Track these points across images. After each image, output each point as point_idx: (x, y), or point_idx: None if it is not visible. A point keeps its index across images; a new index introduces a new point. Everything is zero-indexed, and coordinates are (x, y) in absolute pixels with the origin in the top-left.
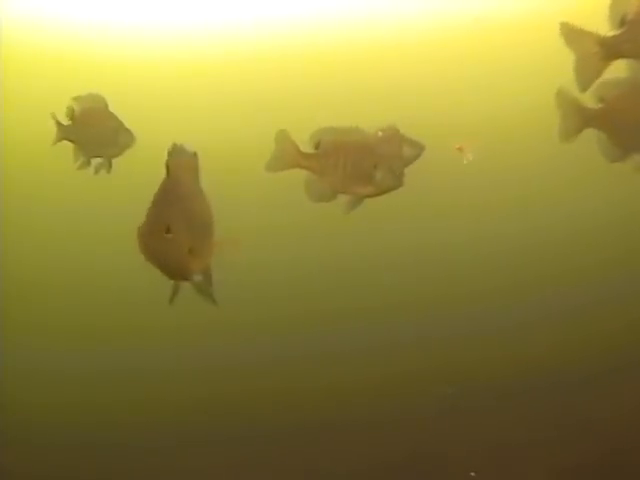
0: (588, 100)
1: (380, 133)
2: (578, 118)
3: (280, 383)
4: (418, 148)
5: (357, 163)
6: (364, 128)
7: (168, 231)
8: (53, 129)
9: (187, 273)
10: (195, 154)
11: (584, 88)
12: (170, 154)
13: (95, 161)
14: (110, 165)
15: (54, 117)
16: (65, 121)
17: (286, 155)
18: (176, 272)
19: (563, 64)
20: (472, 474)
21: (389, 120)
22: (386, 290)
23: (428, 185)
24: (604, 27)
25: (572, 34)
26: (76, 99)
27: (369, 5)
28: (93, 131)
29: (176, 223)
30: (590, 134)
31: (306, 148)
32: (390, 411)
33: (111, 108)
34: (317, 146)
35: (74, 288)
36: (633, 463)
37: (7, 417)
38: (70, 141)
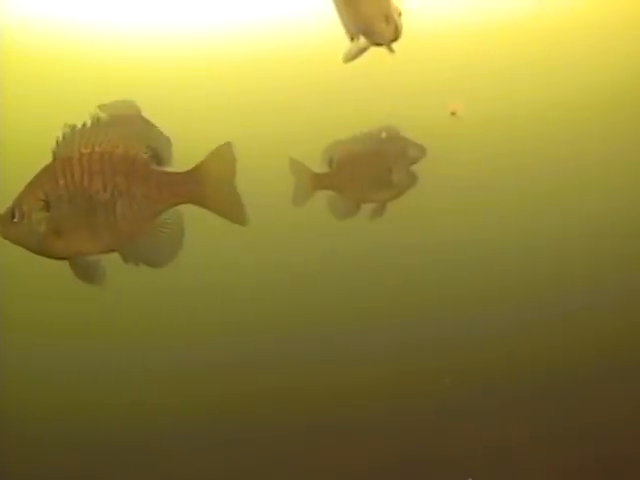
0: None
1: (384, 134)
2: None
3: (278, 384)
4: (421, 150)
5: (372, 171)
6: (369, 132)
7: (13, 216)
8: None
9: (54, 254)
10: (99, 128)
11: None
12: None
13: None
14: None
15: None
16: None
17: (305, 184)
18: (45, 253)
19: (564, 64)
20: None
21: (393, 119)
22: (387, 291)
23: (431, 185)
24: (603, 26)
25: None
26: (103, 106)
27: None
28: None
29: (27, 206)
30: (595, 141)
31: (317, 149)
32: (390, 412)
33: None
34: (330, 163)
35: (74, 287)
36: (633, 465)
37: (6, 416)
38: None
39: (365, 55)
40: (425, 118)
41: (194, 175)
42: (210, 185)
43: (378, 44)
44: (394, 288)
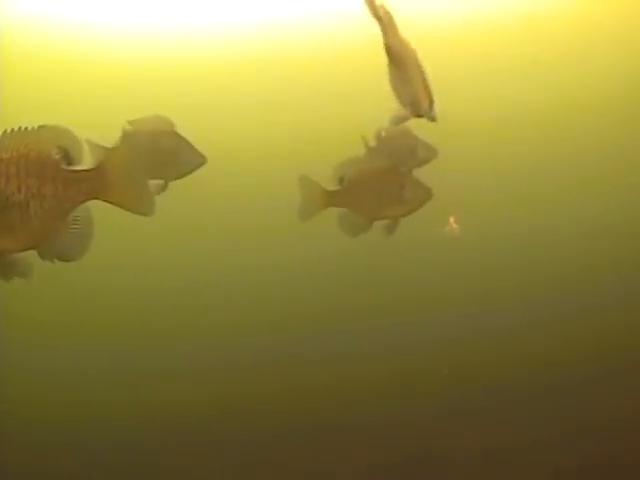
0: None
1: (383, 133)
2: None
3: (280, 384)
4: (432, 152)
5: (384, 188)
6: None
7: None
8: None
9: None
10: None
11: None
12: None
13: (153, 183)
14: (166, 186)
15: (91, 143)
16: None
17: (314, 200)
18: None
19: (561, 61)
20: None
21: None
22: (387, 290)
23: (431, 183)
24: (603, 27)
25: None
26: (133, 122)
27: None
28: (152, 152)
29: None
30: (597, 140)
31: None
32: (390, 412)
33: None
34: (341, 181)
35: (74, 286)
36: (633, 465)
37: (6, 415)
38: None
39: (365, 55)
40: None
41: (98, 171)
42: (115, 179)
43: (419, 115)
44: (395, 287)
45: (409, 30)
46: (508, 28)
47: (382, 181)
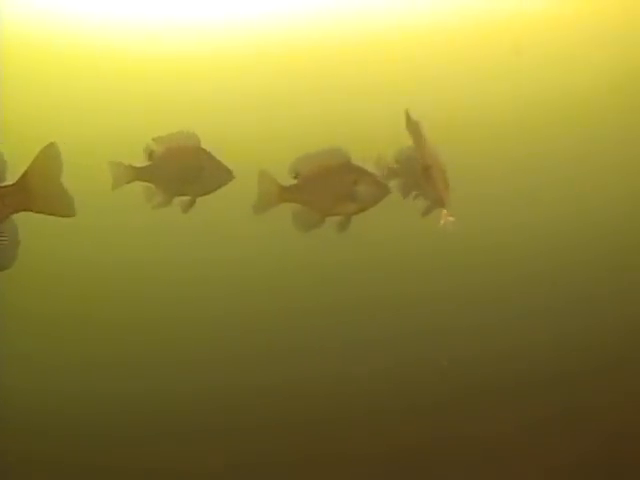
0: None
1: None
2: None
3: (280, 376)
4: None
5: (337, 183)
6: (340, 148)
7: None
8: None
9: None
10: None
11: None
12: None
13: (179, 199)
14: (193, 202)
15: (116, 165)
16: (141, 162)
17: (270, 194)
18: None
19: (558, 59)
20: None
21: (398, 112)
22: (384, 283)
23: None
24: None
25: None
26: (158, 139)
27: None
28: (178, 169)
29: None
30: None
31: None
32: (387, 409)
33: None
34: (296, 176)
35: (74, 277)
36: (632, 463)
37: (5, 405)
38: (145, 181)
39: (361, 52)
40: (422, 116)
41: (20, 184)
42: (37, 190)
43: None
44: (392, 280)
45: (394, 28)
46: (495, 26)
47: (335, 177)
